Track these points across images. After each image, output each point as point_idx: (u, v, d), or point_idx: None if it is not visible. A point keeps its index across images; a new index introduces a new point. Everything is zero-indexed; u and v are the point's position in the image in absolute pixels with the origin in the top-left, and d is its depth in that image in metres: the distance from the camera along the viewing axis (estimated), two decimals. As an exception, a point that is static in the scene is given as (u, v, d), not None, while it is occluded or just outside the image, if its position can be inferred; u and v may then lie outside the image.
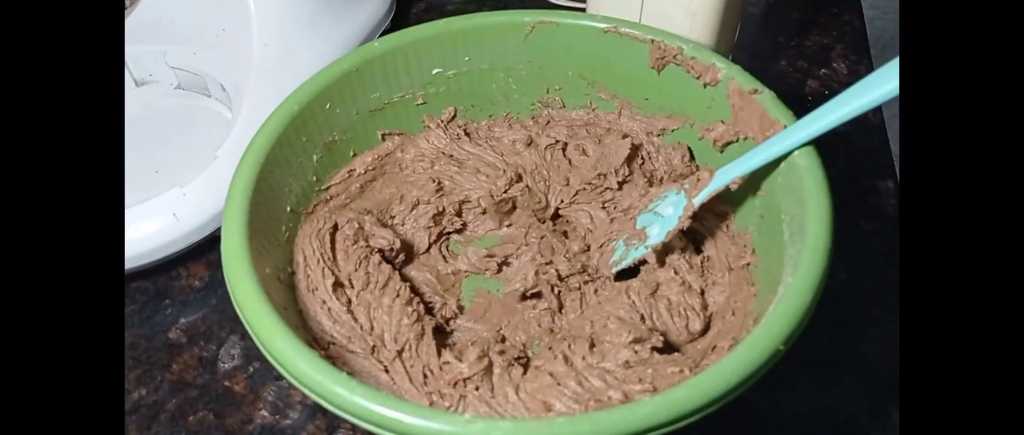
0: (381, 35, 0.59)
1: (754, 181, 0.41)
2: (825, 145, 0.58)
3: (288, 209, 0.40)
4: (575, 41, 0.46)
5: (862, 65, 0.62)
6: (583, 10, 0.50)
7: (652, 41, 0.44)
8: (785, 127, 0.38)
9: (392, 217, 0.45)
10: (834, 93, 0.59)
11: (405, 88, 0.46)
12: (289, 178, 0.41)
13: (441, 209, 0.45)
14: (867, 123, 0.57)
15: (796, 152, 0.37)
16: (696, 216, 0.40)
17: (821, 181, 0.36)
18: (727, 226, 0.43)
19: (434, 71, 0.46)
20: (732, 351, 0.30)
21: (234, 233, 0.35)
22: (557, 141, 0.48)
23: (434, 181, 0.46)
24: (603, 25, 0.45)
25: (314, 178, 0.42)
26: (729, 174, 0.38)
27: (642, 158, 0.47)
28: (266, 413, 0.41)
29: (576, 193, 0.46)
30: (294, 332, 0.31)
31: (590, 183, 0.46)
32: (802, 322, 0.31)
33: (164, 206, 0.45)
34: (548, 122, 0.49)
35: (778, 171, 0.38)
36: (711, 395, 0.29)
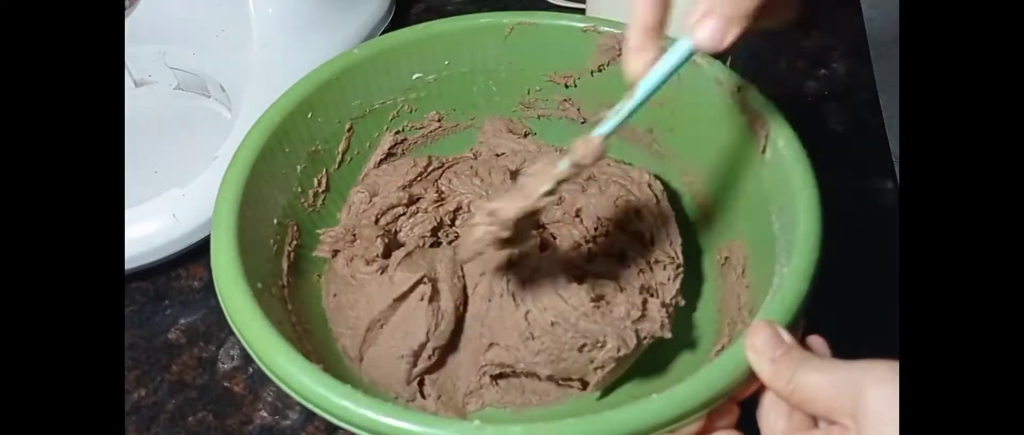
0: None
1: (740, 176, 0.41)
2: (824, 145, 0.58)
3: (275, 221, 0.39)
4: (555, 41, 0.45)
5: (861, 65, 0.62)
6: (582, 11, 0.50)
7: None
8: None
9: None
10: (834, 93, 0.59)
11: (386, 94, 0.45)
12: (275, 190, 0.40)
13: (439, 221, 0.45)
14: (867, 123, 0.57)
15: (781, 143, 0.37)
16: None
17: (807, 170, 0.36)
18: (714, 220, 0.43)
19: (414, 76, 0.45)
20: (734, 344, 0.30)
21: (224, 250, 0.34)
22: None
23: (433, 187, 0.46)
24: (582, 25, 0.44)
25: (299, 188, 0.42)
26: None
27: None
28: (265, 414, 0.41)
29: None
30: (294, 346, 0.31)
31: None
32: (800, 310, 0.31)
33: (164, 206, 0.45)
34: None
35: (763, 164, 0.39)
36: (718, 388, 0.29)
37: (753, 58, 0.63)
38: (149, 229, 0.45)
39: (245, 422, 0.41)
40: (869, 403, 0.25)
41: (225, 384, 0.42)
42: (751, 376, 0.29)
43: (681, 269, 0.41)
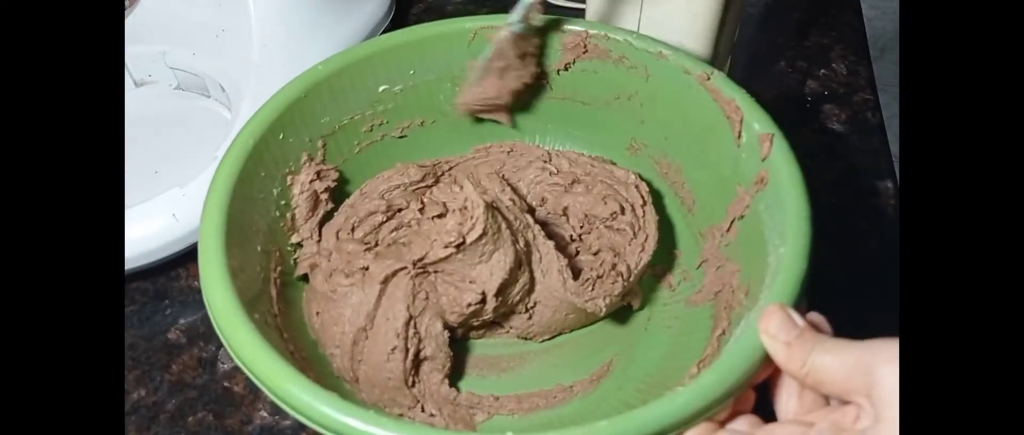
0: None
1: (717, 162, 0.41)
2: (824, 145, 0.58)
3: (259, 249, 0.38)
4: None
5: (861, 65, 0.62)
6: (582, 12, 0.50)
7: (587, 33, 0.44)
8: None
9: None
10: (834, 93, 0.59)
11: (354, 109, 0.44)
12: (255, 216, 0.39)
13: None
14: (867, 123, 0.57)
15: (756, 126, 0.38)
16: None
17: (787, 149, 0.37)
18: (697, 209, 0.44)
19: (380, 88, 0.45)
20: (747, 330, 0.31)
21: (218, 285, 0.33)
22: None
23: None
24: (546, 25, 0.44)
25: (277, 213, 0.40)
26: None
27: None
28: (265, 413, 0.41)
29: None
30: (303, 373, 0.30)
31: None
32: (802, 290, 0.32)
33: (164, 206, 0.45)
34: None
35: (740, 148, 0.39)
36: (740, 375, 0.29)
37: (753, 58, 0.63)
38: (149, 229, 0.45)
39: (245, 422, 0.41)
40: (883, 383, 0.26)
41: (225, 384, 0.42)
42: (767, 360, 0.30)
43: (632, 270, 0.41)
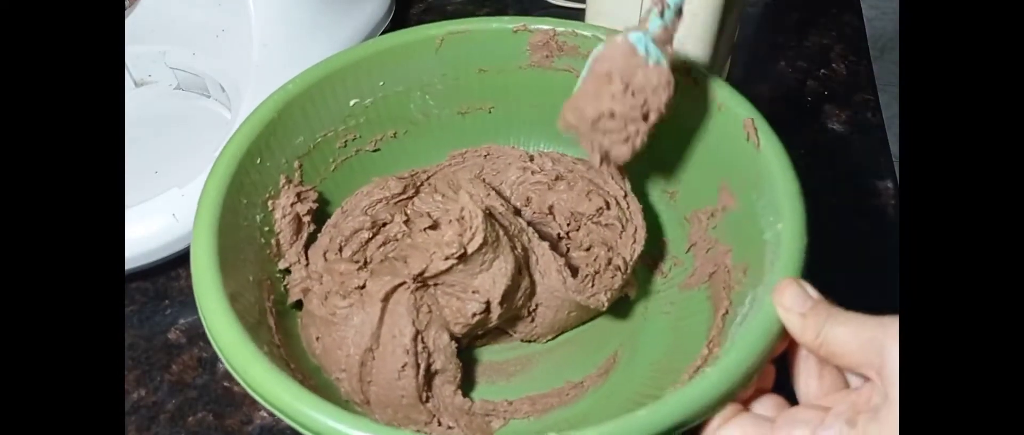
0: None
1: (696, 147, 0.42)
2: (824, 145, 0.58)
3: (251, 279, 0.37)
4: (487, 46, 0.45)
5: (861, 65, 0.62)
6: (582, 12, 0.50)
7: (554, 31, 0.44)
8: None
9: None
10: (834, 93, 0.59)
11: (326, 125, 0.43)
12: (243, 245, 0.38)
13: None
14: (867, 123, 0.57)
15: (732, 103, 0.39)
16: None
17: (767, 128, 0.37)
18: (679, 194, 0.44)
19: (351, 102, 0.44)
20: (759, 306, 0.31)
21: (225, 325, 0.32)
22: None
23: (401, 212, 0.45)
24: (512, 25, 0.44)
25: (262, 241, 0.39)
26: None
27: None
28: (265, 414, 0.41)
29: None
30: (316, 394, 0.30)
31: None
32: (804, 263, 0.33)
33: (163, 206, 0.45)
34: None
35: (732, 138, 0.40)
36: (761, 348, 0.30)
37: (753, 58, 0.63)
38: (149, 229, 0.45)
39: (245, 422, 0.41)
40: (894, 361, 0.26)
41: (225, 384, 0.42)
42: (784, 333, 0.30)
43: (627, 263, 0.41)
